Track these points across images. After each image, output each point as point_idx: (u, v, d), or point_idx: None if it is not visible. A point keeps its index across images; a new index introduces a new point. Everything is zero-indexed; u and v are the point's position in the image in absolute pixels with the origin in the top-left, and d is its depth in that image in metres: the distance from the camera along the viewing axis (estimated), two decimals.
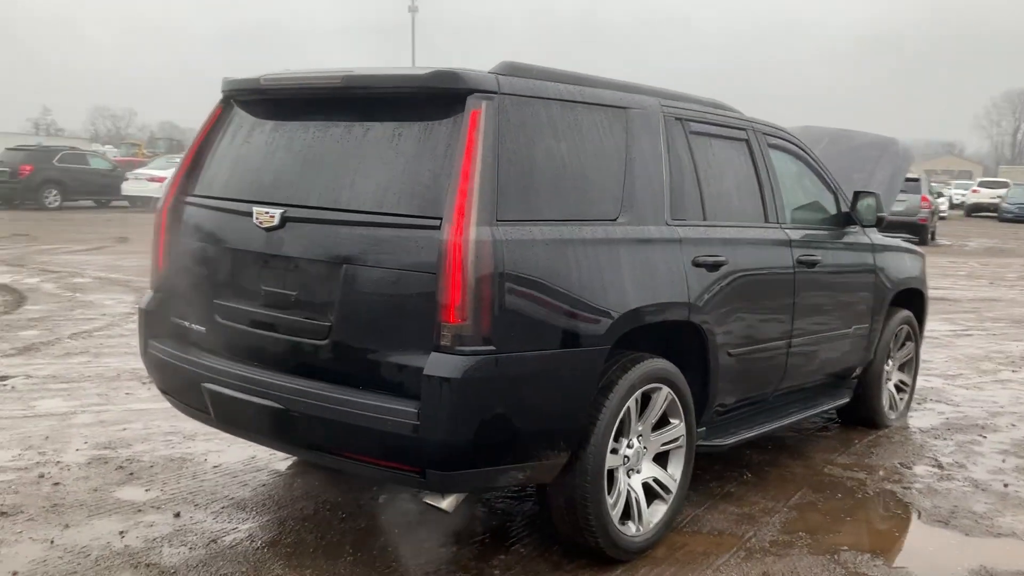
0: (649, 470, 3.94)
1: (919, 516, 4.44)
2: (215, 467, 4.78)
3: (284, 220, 3.50)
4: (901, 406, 6.21)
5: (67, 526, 3.99)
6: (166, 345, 3.94)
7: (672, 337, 4.06)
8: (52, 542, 3.82)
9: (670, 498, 3.99)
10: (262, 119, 3.86)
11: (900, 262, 5.91)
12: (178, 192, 4.03)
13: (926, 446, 5.61)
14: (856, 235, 5.47)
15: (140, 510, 4.20)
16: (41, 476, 4.58)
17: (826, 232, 5.24)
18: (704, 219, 4.20)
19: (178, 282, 3.98)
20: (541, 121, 3.45)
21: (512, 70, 3.46)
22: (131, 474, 4.67)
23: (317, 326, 3.42)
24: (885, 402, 5.98)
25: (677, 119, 4.18)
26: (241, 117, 3.94)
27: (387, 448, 3.22)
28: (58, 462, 4.80)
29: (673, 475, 4.02)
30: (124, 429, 5.41)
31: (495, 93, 3.30)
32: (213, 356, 3.76)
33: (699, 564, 3.81)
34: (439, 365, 3.08)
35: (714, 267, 4.11)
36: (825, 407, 5.33)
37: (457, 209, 3.10)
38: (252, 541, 3.90)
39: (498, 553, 3.84)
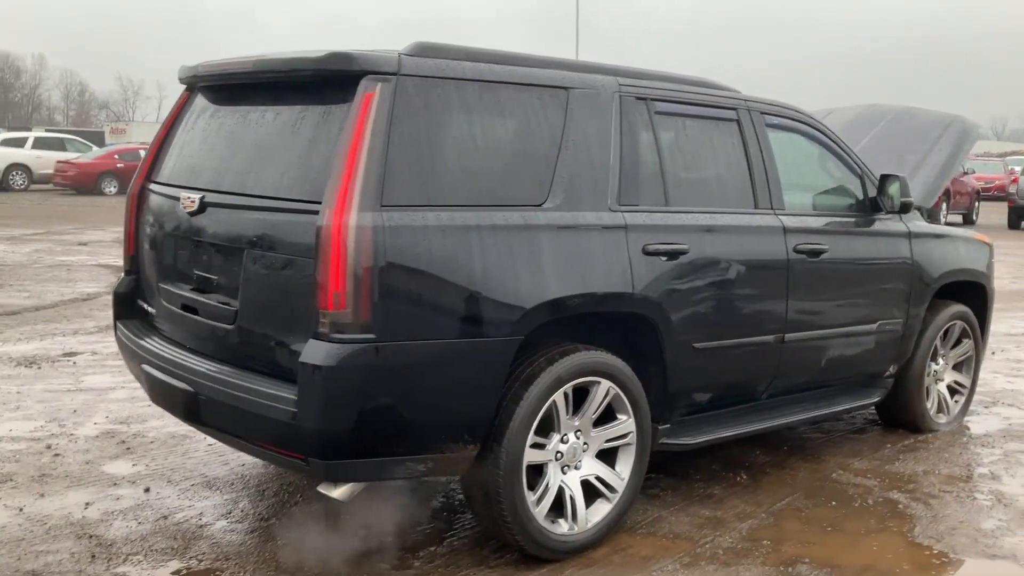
0: (591, 467, 3.77)
1: (911, 530, 4.06)
2: (209, 446, 4.93)
3: (203, 205, 3.56)
4: (955, 409, 5.69)
5: (43, 495, 4.22)
6: (127, 328, 4.09)
7: (630, 330, 3.88)
8: (21, 510, 4.05)
9: (615, 497, 3.81)
10: (206, 105, 3.93)
11: (948, 251, 5.40)
12: (144, 178, 4.16)
13: (966, 454, 5.13)
14: (886, 222, 5.04)
15: (116, 484, 4.39)
16: (48, 447, 4.86)
17: (842, 219, 4.85)
18: (666, 205, 3.97)
19: (141, 266, 4.12)
20: (451, 103, 3.35)
21: (422, 50, 3.37)
22: (128, 449, 4.89)
23: (228, 311, 3.46)
24: (930, 404, 5.50)
25: (639, 99, 3.96)
26: (195, 104, 4.03)
27: (275, 435, 3.23)
28: (71, 435, 5.08)
29: (621, 473, 3.84)
30: (149, 406, 5.63)
31: (393, 75, 3.22)
32: (155, 338, 3.88)
33: (632, 568, 3.62)
34: (314, 352, 3.05)
35: (672, 255, 3.88)
36: (841, 408, 4.95)
37: (338, 194, 3.05)
38: (199, 519, 4.01)
39: (431, 544, 3.79)
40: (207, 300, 3.57)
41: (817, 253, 4.54)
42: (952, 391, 5.72)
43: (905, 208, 4.93)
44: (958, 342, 5.67)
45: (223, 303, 3.50)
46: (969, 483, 4.66)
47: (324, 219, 3.04)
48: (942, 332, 5.46)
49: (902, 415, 5.48)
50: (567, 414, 3.64)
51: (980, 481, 4.69)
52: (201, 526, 3.94)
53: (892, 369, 5.22)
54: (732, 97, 4.41)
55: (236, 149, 3.62)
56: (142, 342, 3.86)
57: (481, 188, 3.39)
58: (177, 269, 3.80)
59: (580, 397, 3.69)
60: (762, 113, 4.50)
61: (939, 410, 5.61)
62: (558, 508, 3.68)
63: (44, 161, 28.26)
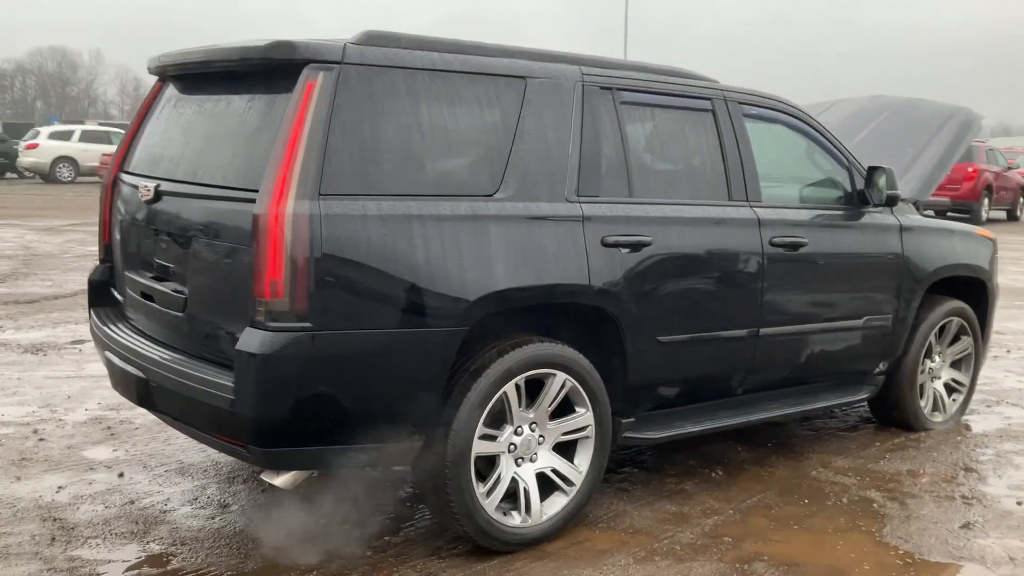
0: (547, 460, 3.74)
1: (880, 530, 3.97)
2: None
3: (158, 194, 3.60)
4: (952, 408, 5.55)
5: (19, 479, 4.30)
6: (98, 316, 4.15)
7: (591, 323, 3.84)
8: None
9: (572, 491, 3.78)
10: (171, 95, 3.97)
11: (943, 246, 5.27)
12: (117, 168, 4.22)
13: (957, 453, 5.00)
14: (875, 215, 4.92)
15: (92, 469, 4.46)
16: (35, 432, 4.96)
17: (826, 212, 4.76)
18: (630, 196, 3.92)
19: (113, 255, 4.18)
20: (398, 92, 3.34)
21: (370, 39, 3.37)
22: (112, 435, 4.96)
23: (179, 299, 3.50)
24: (925, 403, 5.37)
25: (604, 88, 3.92)
26: (164, 94, 4.07)
27: (216, 422, 3.25)
28: (60, 420, 5.18)
29: (579, 467, 3.80)
30: None
31: (337, 63, 3.22)
32: (120, 326, 3.93)
33: (584, 562, 3.59)
34: (249, 340, 3.06)
35: (634, 247, 3.83)
36: (824, 404, 4.85)
37: (275, 182, 3.06)
38: (165, 504, 4.06)
39: (386, 534, 3.79)
40: (162, 288, 3.61)
41: (796, 246, 4.45)
42: (950, 389, 5.58)
43: (892, 201, 4.81)
44: (956, 339, 5.53)
45: (176, 291, 3.53)
46: (952, 483, 4.54)
47: (261, 207, 3.05)
48: (937, 329, 5.33)
49: (894, 413, 5.36)
50: (520, 406, 3.62)
51: (965, 481, 4.57)
52: (165, 511, 3.99)
53: (882, 366, 5.11)
54: (707, 87, 4.34)
55: (191, 138, 3.66)
56: (107, 329, 3.92)
57: (428, 178, 3.38)
58: (139, 257, 3.85)
59: (536, 390, 3.67)
60: (740, 103, 4.43)
61: (935, 408, 5.47)
62: (514, 500, 3.66)
63: (91, 154, 28.81)
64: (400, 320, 3.24)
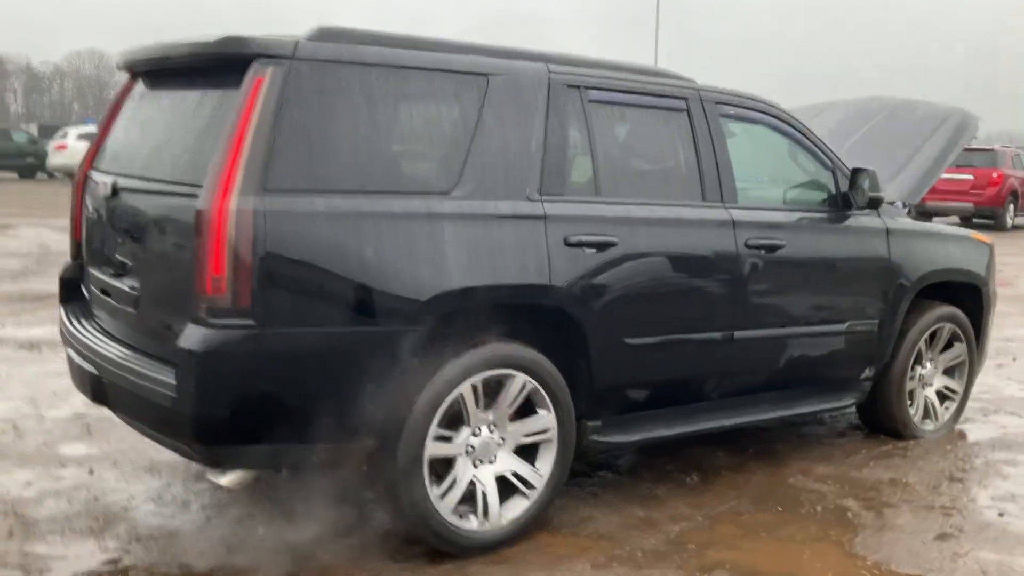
0: (507, 463, 3.69)
1: (851, 540, 3.87)
2: None
3: (115, 190, 3.59)
4: (945, 416, 5.42)
5: None
6: (67, 312, 4.15)
7: (555, 323, 3.79)
8: None
9: (534, 494, 3.72)
10: (137, 91, 3.97)
11: (934, 250, 5.16)
12: (88, 165, 4.22)
13: (943, 462, 4.87)
14: (860, 218, 4.82)
15: (64, 465, 4.46)
16: (14, 427, 4.97)
17: (807, 214, 4.66)
18: (597, 195, 3.86)
19: (83, 252, 4.19)
20: (351, 88, 3.31)
21: (324, 35, 3.34)
22: (90, 432, 4.96)
23: (133, 296, 3.49)
24: (914, 410, 5.25)
25: (571, 86, 3.86)
26: (133, 91, 4.07)
27: (161, 420, 3.23)
28: (41, 416, 5.19)
29: (540, 470, 3.75)
30: None
31: (287, 59, 3.20)
32: (84, 322, 3.93)
33: (539, 567, 3.53)
34: (190, 337, 3.04)
35: (600, 247, 3.77)
36: (805, 410, 4.75)
37: (220, 178, 3.03)
38: (129, 501, 4.05)
39: (343, 536, 3.74)
40: (119, 285, 3.60)
41: (773, 248, 4.37)
42: (942, 397, 5.46)
43: (874, 203, 4.71)
44: (949, 346, 5.40)
45: (131, 288, 3.52)
46: (934, 493, 4.43)
47: (204, 202, 3.02)
48: (928, 335, 5.21)
49: (883, 420, 5.25)
50: (478, 407, 3.57)
51: (947, 491, 4.45)
52: (127, 508, 3.98)
53: (868, 372, 5.00)
54: (682, 86, 4.27)
55: (149, 134, 3.66)
56: (71, 326, 3.92)
57: (381, 175, 3.34)
58: (102, 254, 3.85)
59: (497, 391, 3.61)
60: (718, 104, 4.35)
61: (926, 416, 5.35)
62: (473, 503, 3.61)
63: None
64: (348, 319, 3.20)
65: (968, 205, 19.95)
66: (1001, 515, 4.17)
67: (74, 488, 4.17)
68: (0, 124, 50.58)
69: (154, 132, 3.63)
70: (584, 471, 4.59)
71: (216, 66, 3.34)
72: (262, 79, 3.14)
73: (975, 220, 19.46)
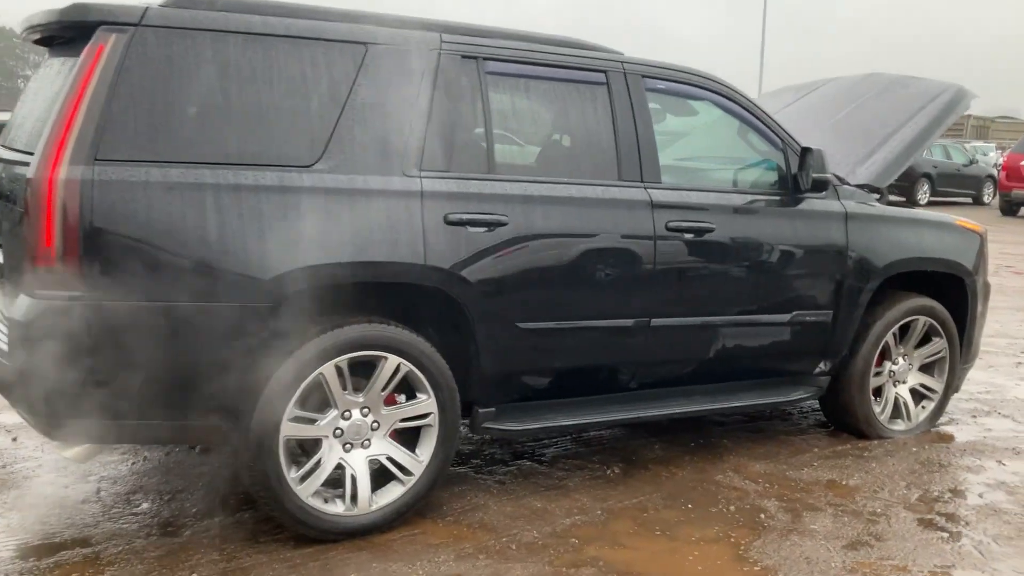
0: (382, 447, 3.58)
1: (750, 543, 3.63)
2: None
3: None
4: (920, 416, 5.06)
5: None
6: None
7: (440, 305, 3.65)
8: None
9: (411, 481, 3.61)
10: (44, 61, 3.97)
11: (905, 237, 4.79)
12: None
13: (900, 465, 4.53)
14: (815, 201, 4.51)
15: None
16: None
17: (745, 196, 4.37)
18: (491, 172, 3.70)
19: None
20: (204, 56, 3.23)
21: (180, 1, 3.26)
22: None
23: (1, 266, 3.49)
24: (880, 409, 4.92)
25: (467, 57, 3.70)
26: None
27: (7, 392, 3.22)
28: None
29: (420, 456, 3.62)
30: None
31: (133, 25, 3.14)
32: None
33: (402, 556, 3.42)
34: (19, 307, 3.02)
35: (488, 226, 3.61)
36: (746, 404, 4.47)
37: (50, 147, 3.01)
38: (34, 471, 4.10)
39: (218, 515, 3.70)
40: None
41: (700, 232, 4.12)
42: (919, 396, 5.09)
43: (819, 186, 4.38)
44: (926, 340, 5.04)
45: (1, 258, 3.53)
46: (870, 497, 4.12)
47: (33, 171, 3.00)
48: (897, 328, 4.86)
49: (844, 418, 4.94)
50: (345, 389, 3.46)
51: (886, 496, 4.14)
52: (28, 477, 4.04)
53: (824, 366, 4.70)
54: (601, 58, 4.05)
55: (27, 104, 3.65)
56: None
57: (231, 147, 3.25)
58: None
59: (370, 374, 3.50)
60: (644, 77, 4.12)
61: (896, 415, 5.01)
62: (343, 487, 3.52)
63: None
64: (186, 293, 3.13)
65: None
66: (930, 523, 3.86)
67: None
68: None
69: (32, 102, 3.63)
70: (503, 459, 4.45)
71: (72, 34, 3.31)
72: (103, 46, 3.09)
73: None
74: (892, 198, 21.20)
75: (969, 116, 41.81)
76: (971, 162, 24.28)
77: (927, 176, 22.42)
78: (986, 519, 3.93)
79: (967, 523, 3.88)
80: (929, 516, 3.94)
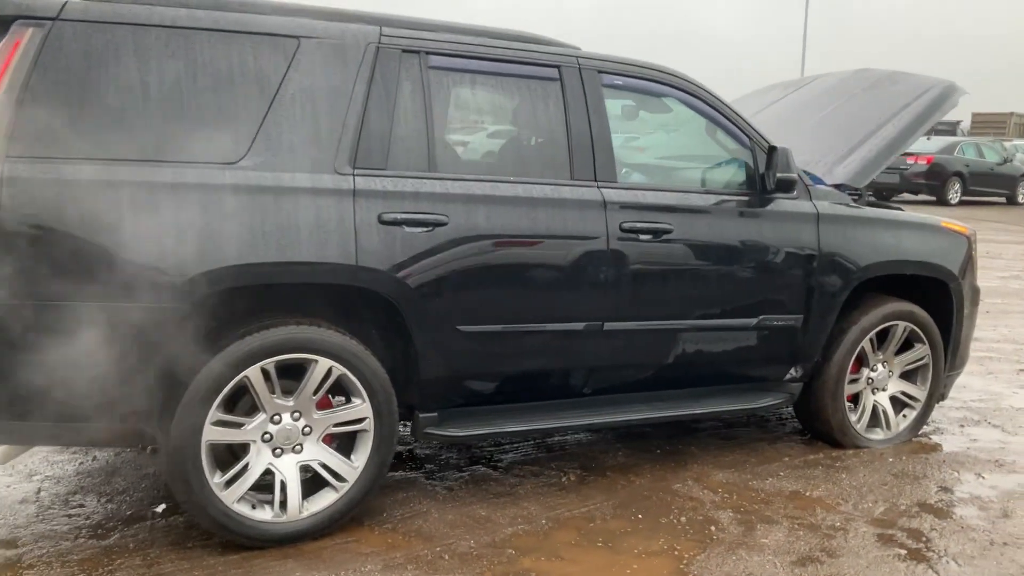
0: (314, 452, 3.49)
1: (694, 556, 3.49)
2: None
3: None
4: (900, 425, 4.88)
5: None
6: None
7: (376, 307, 3.56)
8: None
9: (344, 487, 3.52)
10: None
11: (882, 239, 4.60)
12: None
13: (872, 477, 4.36)
14: (784, 202, 4.35)
15: None
16: None
17: (707, 196, 4.22)
18: (431, 170, 3.59)
19: None
20: (125, 50, 3.16)
21: None
22: None
23: None
24: (857, 416, 4.74)
25: (408, 52, 3.60)
26: None
27: None
28: None
29: (354, 462, 3.53)
30: None
31: (50, 19, 3.07)
32: None
33: (329, 564, 3.33)
34: None
35: (426, 226, 3.51)
36: (709, 411, 4.32)
37: None
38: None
39: (151, 518, 3.64)
40: None
41: (657, 233, 3.99)
42: (899, 404, 4.91)
43: (784, 186, 4.21)
44: (908, 346, 4.85)
45: None
46: (831, 511, 3.95)
47: None
48: (875, 333, 4.68)
49: (817, 425, 4.77)
50: (273, 393, 3.37)
51: (848, 510, 3.97)
52: None
53: (795, 372, 4.54)
54: (554, 53, 3.92)
55: None
56: None
57: (149, 143, 3.17)
58: None
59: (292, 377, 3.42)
60: (601, 73, 3.98)
61: (875, 424, 4.83)
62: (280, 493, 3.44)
63: None
64: (96, 294, 3.05)
65: None
66: (888, 539, 3.69)
67: None
68: None
69: None
70: (457, 464, 4.35)
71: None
72: (20, 41, 3.02)
73: None
74: (917, 198, 21.06)
75: (1012, 114, 40.85)
76: (1005, 161, 23.77)
77: (959, 175, 21.97)
78: (951, 536, 3.76)
79: (928, 540, 3.71)
80: (890, 532, 3.77)
